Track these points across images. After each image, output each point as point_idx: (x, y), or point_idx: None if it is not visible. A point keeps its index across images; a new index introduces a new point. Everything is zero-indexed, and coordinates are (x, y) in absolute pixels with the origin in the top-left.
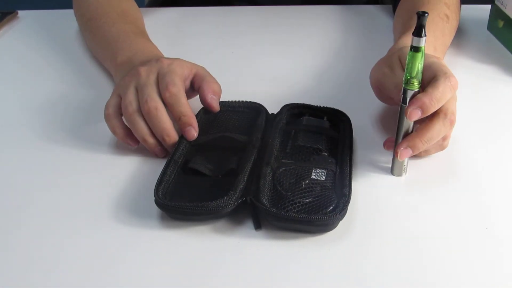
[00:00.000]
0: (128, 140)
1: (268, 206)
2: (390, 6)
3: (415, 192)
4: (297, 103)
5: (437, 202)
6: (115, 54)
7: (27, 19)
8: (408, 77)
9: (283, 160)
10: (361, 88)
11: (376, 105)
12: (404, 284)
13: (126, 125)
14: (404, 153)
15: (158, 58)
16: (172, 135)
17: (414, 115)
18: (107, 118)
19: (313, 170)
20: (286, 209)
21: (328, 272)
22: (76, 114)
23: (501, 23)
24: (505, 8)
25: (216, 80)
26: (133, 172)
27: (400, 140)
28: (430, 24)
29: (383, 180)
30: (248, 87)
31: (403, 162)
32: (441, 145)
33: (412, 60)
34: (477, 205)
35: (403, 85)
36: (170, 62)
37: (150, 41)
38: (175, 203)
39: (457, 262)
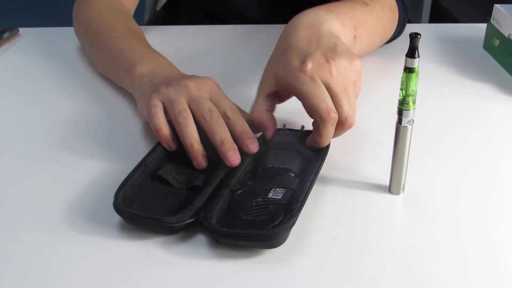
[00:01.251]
0: (170, 141)
1: (214, 224)
2: None
3: (413, 211)
4: (278, 128)
5: (435, 221)
6: (132, 64)
7: (28, 36)
8: (403, 97)
9: (248, 182)
10: (361, 107)
11: (374, 122)
12: None
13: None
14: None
15: (196, 76)
16: (230, 140)
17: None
18: (154, 115)
19: (272, 190)
20: (233, 226)
21: None
22: (77, 129)
23: (496, 42)
24: (501, 27)
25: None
26: (99, 174)
27: (397, 160)
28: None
29: (380, 199)
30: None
31: (401, 180)
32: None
33: (407, 81)
34: (476, 224)
35: (398, 105)
36: (217, 85)
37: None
38: (130, 210)
39: (455, 282)
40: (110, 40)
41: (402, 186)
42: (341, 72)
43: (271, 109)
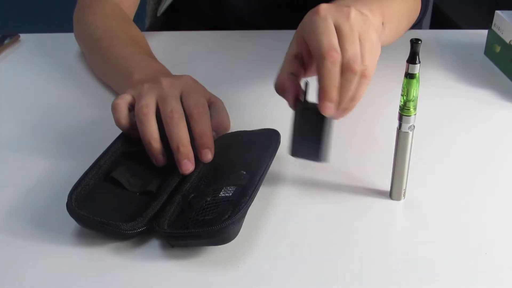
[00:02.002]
0: (131, 132)
1: (165, 229)
2: None
3: (414, 217)
4: (230, 132)
5: (436, 227)
6: (131, 72)
7: (29, 42)
8: (404, 102)
9: (201, 186)
10: (362, 112)
11: (375, 128)
12: None
13: (132, 121)
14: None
15: (180, 75)
16: (187, 147)
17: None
18: (115, 107)
19: (223, 189)
20: (183, 228)
21: None
22: (80, 138)
23: (497, 48)
24: (502, 33)
25: (227, 114)
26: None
27: (398, 166)
28: None
29: (381, 204)
30: (245, 116)
31: (402, 186)
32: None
33: (408, 86)
34: (477, 230)
35: (399, 111)
36: (194, 81)
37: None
38: (83, 213)
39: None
40: (111, 47)
41: (403, 191)
42: (358, 21)
43: (297, 72)
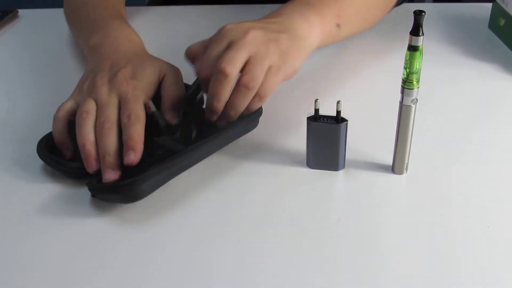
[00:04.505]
0: (62, 146)
1: (93, 182)
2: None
3: (416, 191)
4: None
5: (438, 201)
6: (89, 36)
7: (27, 18)
8: (407, 75)
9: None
10: (364, 86)
11: (377, 102)
12: (405, 283)
13: (66, 134)
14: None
15: (124, 67)
16: (113, 157)
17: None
18: (56, 120)
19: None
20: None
21: (328, 275)
22: None
23: (502, 21)
24: (506, 6)
25: (180, 88)
26: None
27: (400, 140)
28: None
29: (383, 178)
30: None
31: (404, 160)
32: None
33: (411, 59)
34: (479, 203)
35: (402, 85)
36: (134, 85)
37: (127, 24)
38: (42, 152)
39: (459, 261)
40: (82, 15)
41: (405, 166)
42: (259, 43)
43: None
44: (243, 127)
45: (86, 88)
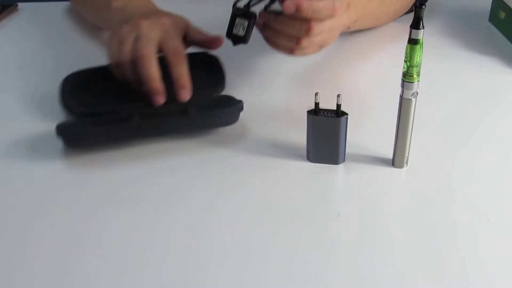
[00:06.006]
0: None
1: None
2: None
3: (416, 184)
4: None
5: (438, 194)
6: (109, 1)
7: (27, 11)
8: (407, 69)
9: None
10: (364, 78)
11: (377, 95)
12: (405, 276)
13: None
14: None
15: (156, 12)
16: (156, 81)
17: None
18: (146, 55)
19: None
20: None
21: (327, 269)
22: None
23: (502, 14)
24: None
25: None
26: None
27: (400, 133)
28: None
29: (384, 172)
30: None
31: (404, 153)
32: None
33: (411, 52)
34: (480, 196)
35: (402, 78)
36: (170, 24)
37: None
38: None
39: (459, 254)
40: None
41: (405, 159)
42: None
43: None
44: (222, 116)
45: (125, 26)
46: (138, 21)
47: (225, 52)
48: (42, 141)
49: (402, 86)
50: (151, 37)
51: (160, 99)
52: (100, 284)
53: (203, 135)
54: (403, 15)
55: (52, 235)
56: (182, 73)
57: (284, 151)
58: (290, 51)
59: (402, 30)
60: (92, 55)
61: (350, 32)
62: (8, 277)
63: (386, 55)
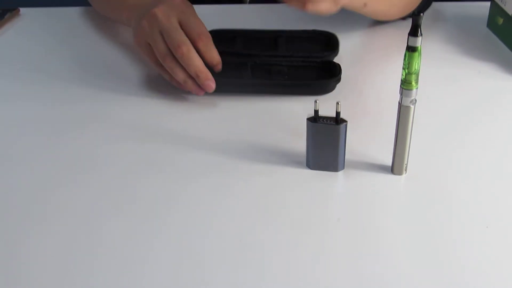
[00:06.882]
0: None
1: None
2: None
3: (415, 191)
4: None
5: (437, 201)
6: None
7: (29, 16)
8: (406, 76)
9: None
10: (364, 86)
11: (376, 102)
12: (405, 283)
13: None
14: None
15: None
16: (204, 72)
17: None
18: (186, 56)
19: None
20: None
21: (327, 276)
22: (80, 110)
23: (500, 20)
24: (505, 5)
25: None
26: None
27: (399, 140)
28: None
29: (383, 179)
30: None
31: (403, 160)
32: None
33: (409, 60)
34: (479, 204)
35: (401, 85)
36: (183, 5)
37: None
38: None
39: (458, 261)
40: None
41: (404, 166)
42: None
43: None
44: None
45: (144, 21)
46: (153, 12)
47: None
48: (40, 148)
49: (401, 93)
50: (175, 27)
51: (212, 85)
52: (98, 284)
53: (203, 139)
54: (406, 17)
55: (48, 235)
56: (213, 54)
57: (284, 158)
58: (302, 4)
59: (401, 37)
60: (95, 59)
61: (347, 40)
62: (8, 277)
63: (385, 62)
